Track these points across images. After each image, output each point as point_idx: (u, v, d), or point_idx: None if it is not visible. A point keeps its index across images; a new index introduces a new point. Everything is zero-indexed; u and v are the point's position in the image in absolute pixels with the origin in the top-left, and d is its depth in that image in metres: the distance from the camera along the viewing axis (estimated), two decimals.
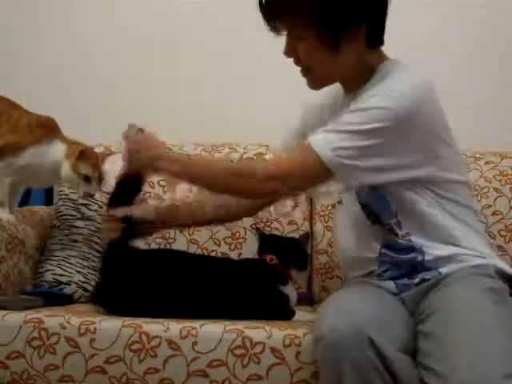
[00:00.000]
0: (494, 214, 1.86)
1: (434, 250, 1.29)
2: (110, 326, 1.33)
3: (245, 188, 1.30)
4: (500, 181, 1.90)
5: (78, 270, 1.78)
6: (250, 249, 1.83)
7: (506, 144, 2.07)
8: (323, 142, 1.23)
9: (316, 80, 1.35)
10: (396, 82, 1.24)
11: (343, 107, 1.36)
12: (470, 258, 1.28)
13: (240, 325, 1.31)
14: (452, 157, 1.31)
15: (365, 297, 1.24)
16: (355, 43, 1.28)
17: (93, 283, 1.76)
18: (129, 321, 1.34)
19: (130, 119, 2.28)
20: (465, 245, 1.29)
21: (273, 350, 1.27)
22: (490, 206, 1.87)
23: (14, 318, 1.36)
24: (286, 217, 1.90)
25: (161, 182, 1.97)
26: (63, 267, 1.77)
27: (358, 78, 1.33)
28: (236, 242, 1.89)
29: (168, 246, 1.88)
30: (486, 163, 1.95)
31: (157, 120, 2.23)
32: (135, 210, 1.47)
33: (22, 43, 2.39)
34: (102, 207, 1.85)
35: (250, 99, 2.25)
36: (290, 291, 1.52)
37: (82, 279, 1.77)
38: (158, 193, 1.78)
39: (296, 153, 1.31)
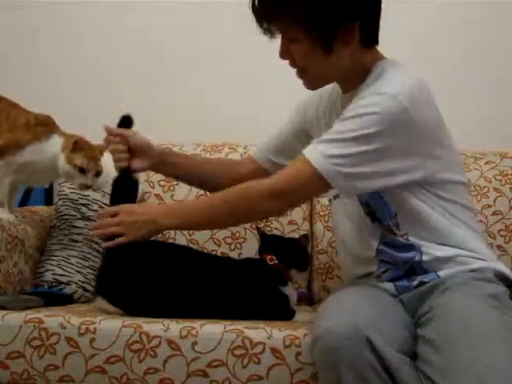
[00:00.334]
0: (494, 213, 1.86)
1: (432, 250, 1.28)
2: (109, 326, 1.33)
3: (252, 211, 1.32)
4: (500, 181, 1.91)
5: (78, 269, 1.78)
6: (249, 249, 1.84)
7: (506, 144, 2.07)
8: (317, 153, 1.23)
9: (312, 81, 1.35)
10: (389, 83, 1.24)
11: (339, 107, 1.37)
12: (469, 260, 1.28)
13: (240, 325, 1.31)
14: (450, 157, 1.31)
15: (364, 297, 1.24)
16: (349, 43, 1.28)
17: (93, 283, 1.76)
18: (129, 321, 1.34)
19: None
20: (464, 246, 1.29)
21: (273, 350, 1.27)
22: (489, 206, 1.87)
23: (14, 318, 1.36)
24: None
25: (161, 183, 1.97)
26: (63, 267, 1.77)
27: (353, 78, 1.33)
28: (236, 242, 1.89)
29: None
30: (486, 163, 1.95)
31: (157, 120, 2.25)
32: None
33: (22, 43, 2.39)
34: (102, 207, 1.85)
35: (250, 99, 2.26)
36: (290, 291, 1.51)
37: (82, 279, 1.77)
38: None
39: (293, 166, 1.29)
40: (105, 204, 1.85)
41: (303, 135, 1.53)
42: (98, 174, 1.71)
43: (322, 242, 1.88)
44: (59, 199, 1.94)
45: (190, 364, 1.29)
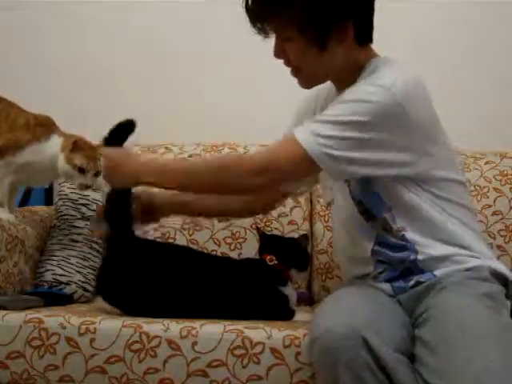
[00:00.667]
0: (494, 213, 1.86)
1: (427, 248, 1.28)
2: (109, 326, 1.33)
3: (232, 183, 1.29)
4: (500, 181, 1.91)
5: (78, 269, 1.78)
6: (249, 249, 1.84)
7: (506, 144, 2.07)
8: (306, 132, 1.23)
9: (306, 80, 1.35)
10: (383, 76, 1.24)
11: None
12: (465, 258, 1.27)
13: (240, 325, 1.31)
14: (444, 155, 1.31)
15: (361, 297, 1.24)
16: (343, 41, 1.28)
17: (93, 283, 1.76)
18: (129, 321, 1.34)
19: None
20: (459, 243, 1.29)
21: (272, 350, 1.27)
22: (489, 206, 1.87)
23: (14, 317, 1.36)
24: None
25: None
26: (63, 267, 1.77)
27: (348, 76, 1.32)
28: (236, 241, 1.89)
29: None
30: (486, 163, 1.95)
31: (157, 120, 2.25)
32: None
33: (22, 43, 2.40)
34: None
35: (250, 99, 2.26)
36: (290, 291, 1.51)
37: (82, 279, 1.77)
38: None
39: (282, 144, 1.28)
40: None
41: None
42: (97, 173, 1.71)
43: (322, 242, 1.88)
44: (59, 199, 1.94)
45: (189, 364, 1.29)
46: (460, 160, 1.88)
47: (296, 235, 1.76)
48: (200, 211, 1.62)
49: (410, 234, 1.29)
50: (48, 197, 2.21)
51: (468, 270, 1.26)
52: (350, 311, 1.14)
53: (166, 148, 2.04)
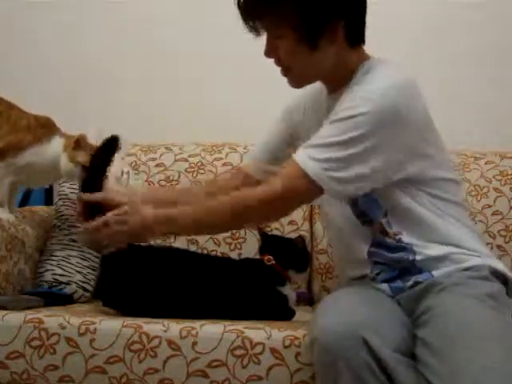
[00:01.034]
0: (494, 213, 1.86)
1: (424, 249, 1.28)
2: (109, 326, 1.33)
3: (254, 221, 1.41)
4: (500, 181, 1.90)
5: (78, 269, 1.78)
6: (249, 249, 1.84)
7: (506, 144, 2.07)
8: (306, 158, 1.23)
9: (296, 79, 1.35)
10: (375, 83, 1.23)
11: (325, 108, 1.36)
12: (464, 257, 1.27)
13: (240, 325, 1.31)
14: (439, 155, 1.31)
15: (360, 298, 1.23)
16: (334, 42, 1.28)
17: (93, 283, 1.76)
18: (129, 321, 1.34)
19: (130, 119, 2.31)
20: (457, 243, 1.28)
21: (272, 350, 1.27)
22: (489, 206, 1.87)
23: (14, 317, 1.36)
24: None
25: (161, 183, 1.97)
26: (63, 267, 1.77)
27: (339, 78, 1.32)
28: (236, 241, 1.89)
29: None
30: (486, 163, 1.95)
31: (157, 120, 2.25)
32: None
33: (22, 43, 2.39)
34: None
35: (250, 99, 2.26)
36: (288, 292, 1.52)
37: (82, 279, 1.77)
38: None
39: (285, 173, 1.28)
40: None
41: (291, 140, 1.51)
42: None
43: (322, 242, 1.88)
44: (59, 199, 1.94)
45: (189, 364, 1.29)
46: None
47: (296, 235, 1.76)
48: None
49: (407, 238, 1.29)
50: (48, 197, 2.21)
51: (467, 269, 1.25)
52: (350, 311, 1.14)
53: (166, 148, 2.04)
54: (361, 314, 1.13)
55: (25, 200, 2.13)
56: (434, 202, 1.29)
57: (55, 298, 1.66)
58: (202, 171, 1.97)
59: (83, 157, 1.68)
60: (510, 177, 1.91)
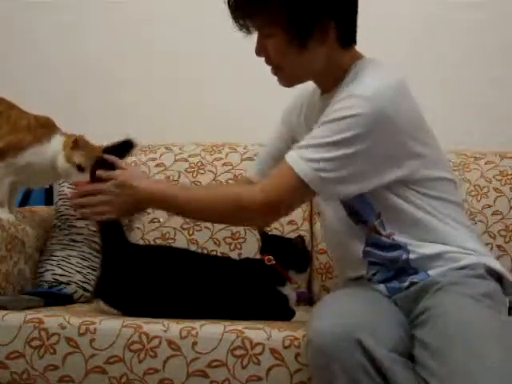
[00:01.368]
0: (494, 213, 1.86)
1: (418, 248, 1.28)
2: (109, 326, 1.33)
3: (245, 222, 1.40)
4: (500, 181, 1.90)
5: (78, 269, 1.78)
6: (249, 249, 1.84)
7: (506, 144, 2.07)
8: (298, 158, 1.23)
9: (286, 79, 1.35)
10: (366, 84, 1.23)
11: (318, 109, 1.36)
12: (458, 256, 1.27)
13: (240, 325, 1.31)
14: (432, 154, 1.30)
15: (356, 299, 1.23)
16: (325, 42, 1.28)
17: (93, 283, 1.76)
18: (129, 321, 1.34)
19: (130, 119, 2.31)
20: (452, 242, 1.28)
21: (272, 351, 1.27)
22: (489, 206, 1.87)
23: (14, 317, 1.36)
24: None
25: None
26: (63, 267, 1.77)
27: (330, 78, 1.33)
28: (236, 241, 1.89)
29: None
30: (486, 163, 1.95)
31: (157, 120, 2.25)
32: None
33: (22, 43, 2.40)
34: None
35: (250, 99, 2.26)
36: (289, 292, 1.52)
37: (82, 279, 1.77)
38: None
39: (278, 175, 1.28)
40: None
41: (293, 142, 1.50)
42: None
43: (322, 242, 1.87)
44: (59, 199, 1.94)
45: (189, 364, 1.29)
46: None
47: (296, 235, 1.76)
48: None
49: (401, 237, 1.29)
50: (48, 197, 2.21)
51: (463, 267, 1.25)
52: (344, 312, 1.13)
53: (166, 148, 2.04)
54: (356, 315, 1.13)
55: (25, 200, 2.13)
56: (427, 201, 1.29)
57: (55, 297, 1.66)
58: (202, 171, 1.97)
59: (79, 157, 1.67)
60: (510, 177, 1.91)
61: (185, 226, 1.90)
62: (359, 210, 1.32)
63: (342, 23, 1.28)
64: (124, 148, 1.51)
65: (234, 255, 1.85)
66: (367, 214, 1.31)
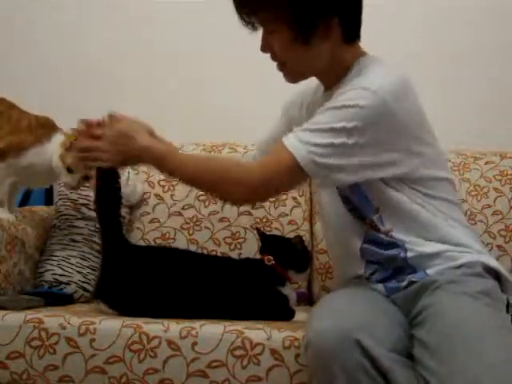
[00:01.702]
0: (494, 213, 1.86)
1: (416, 246, 1.28)
2: (109, 326, 1.33)
3: (230, 197, 1.33)
4: (500, 181, 1.90)
5: (78, 270, 1.78)
6: (249, 249, 1.84)
7: (506, 144, 2.07)
8: (296, 141, 1.23)
9: (291, 74, 1.36)
10: (370, 78, 1.24)
11: (320, 103, 1.35)
12: (456, 254, 1.27)
13: (240, 326, 1.31)
14: (432, 154, 1.31)
15: (353, 299, 1.24)
16: (329, 38, 1.28)
17: (93, 283, 1.76)
18: (129, 321, 1.34)
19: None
20: (450, 240, 1.28)
21: (272, 351, 1.27)
22: (489, 206, 1.87)
23: (14, 317, 1.36)
24: None
25: (161, 183, 1.97)
26: (63, 267, 1.77)
27: (333, 74, 1.33)
28: (236, 241, 1.89)
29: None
30: (486, 163, 1.95)
31: (157, 120, 2.24)
32: None
33: (22, 43, 2.39)
34: None
35: (250, 99, 2.26)
36: (288, 292, 1.52)
37: (82, 279, 1.77)
38: None
39: (274, 155, 1.28)
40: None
41: None
42: (87, 177, 1.69)
43: (322, 242, 1.87)
44: (59, 199, 1.94)
45: (189, 364, 1.29)
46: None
47: (295, 235, 1.76)
48: None
49: (399, 235, 1.29)
50: (48, 197, 2.21)
51: (460, 266, 1.25)
52: (343, 313, 1.13)
53: None
54: (355, 315, 1.13)
55: (25, 200, 2.13)
56: (427, 200, 1.29)
57: (55, 297, 1.66)
58: None
59: (71, 159, 1.66)
60: (510, 177, 1.91)
61: (185, 226, 1.90)
62: (358, 205, 1.32)
63: (346, 19, 1.29)
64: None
65: (234, 255, 1.85)
66: (366, 208, 1.31)
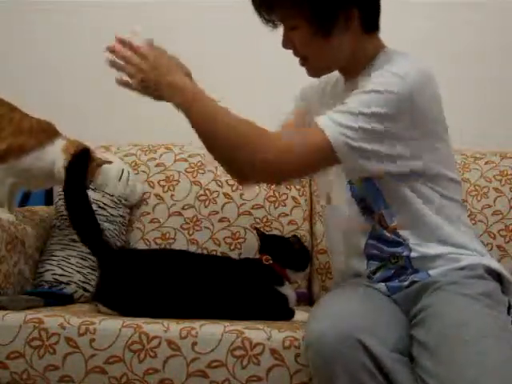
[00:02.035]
0: (494, 213, 1.86)
1: (421, 247, 1.28)
2: (109, 326, 1.33)
3: (247, 166, 1.24)
4: (500, 181, 1.90)
5: (78, 270, 1.78)
6: (249, 249, 1.84)
7: (506, 144, 2.07)
8: (328, 120, 1.21)
9: (314, 69, 1.36)
10: (401, 66, 1.24)
11: (344, 93, 1.35)
12: (459, 256, 1.27)
13: (240, 326, 1.31)
14: (446, 152, 1.31)
15: (354, 298, 1.23)
16: (349, 29, 1.28)
17: (93, 283, 1.76)
18: (129, 321, 1.34)
19: (130, 119, 2.31)
20: (455, 242, 1.28)
21: (272, 351, 1.27)
22: (489, 206, 1.87)
23: (14, 318, 1.36)
24: None
25: (161, 183, 1.97)
26: (63, 267, 1.77)
27: (355, 65, 1.33)
28: (236, 241, 1.89)
29: (168, 246, 1.88)
30: (486, 163, 1.95)
31: (157, 120, 2.24)
32: None
33: (22, 43, 2.39)
34: (101, 207, 1.85)
35: (250, 99, 2.25)
36: (288, 291, 1.52)
37: (82, 279, 1.77)
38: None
39: (305, 130, 1.28)
40: (105, 204, 1.85)
41: (308, 119, 1.47)
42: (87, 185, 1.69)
43: (322, 242, 1.87)
44: (59, 199, 1.94)
45: (189, 364, 1.29)
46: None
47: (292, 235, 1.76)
48: None
49: (405, 233, 1.29)
50: (48, 197, 2.21)
51: (463, 268, 1.25)
52: (344, 313, 1.13)
53: (166, 148, 2.04)
54: (356, 315, 1.13)
55: (25, 200, 2.13)
56: (439, 200, 1.29)
57: (55, 298, 1.66)
58: (202, 171, 1.97)
59: None
60: (510, 177, 1.91)
61: (185, 226, 1.90)
62: (368, 198, 1.32)
63: (365, 9, 1.28)
64: (82, 160, 1.55)
65: (234, 255, 1.85)
66: (375, 202, 1.31)
